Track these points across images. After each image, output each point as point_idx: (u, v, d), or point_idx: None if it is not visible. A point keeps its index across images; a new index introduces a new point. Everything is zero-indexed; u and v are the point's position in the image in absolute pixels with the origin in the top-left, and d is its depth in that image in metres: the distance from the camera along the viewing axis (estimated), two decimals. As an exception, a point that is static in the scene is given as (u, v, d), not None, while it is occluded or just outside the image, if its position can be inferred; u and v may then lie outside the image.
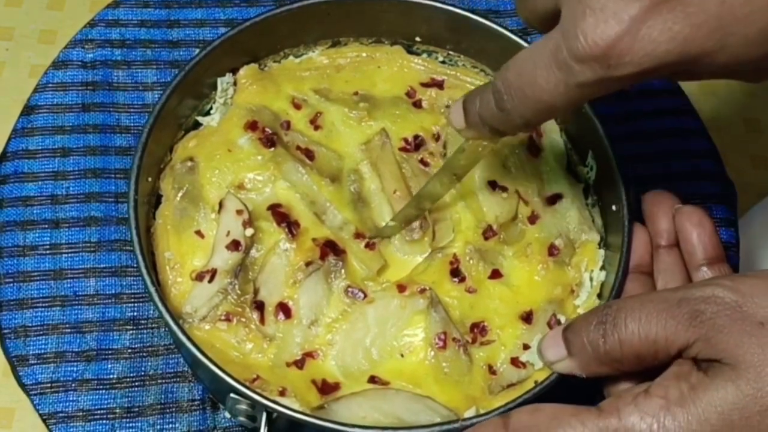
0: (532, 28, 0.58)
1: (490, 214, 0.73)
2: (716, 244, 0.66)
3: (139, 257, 0.64)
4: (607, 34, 0.49)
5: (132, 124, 0.81)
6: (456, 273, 0.70)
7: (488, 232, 0.72)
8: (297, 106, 0.77)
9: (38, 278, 0.74)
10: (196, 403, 0.70)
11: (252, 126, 0.74)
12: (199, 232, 0.71)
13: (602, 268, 0.72)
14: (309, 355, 0.67)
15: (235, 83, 0.78)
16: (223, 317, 0.67)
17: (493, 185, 0.74)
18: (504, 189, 0.74)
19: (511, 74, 0.56)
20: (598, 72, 0.51)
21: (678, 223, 0.68)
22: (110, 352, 0.71)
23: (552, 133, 0.77)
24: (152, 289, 0.63)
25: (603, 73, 0.51)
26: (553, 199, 0.75)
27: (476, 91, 0.61)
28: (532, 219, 0.73)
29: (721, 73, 0.53)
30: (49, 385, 0.69)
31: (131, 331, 0.72)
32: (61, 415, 0.68)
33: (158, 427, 0.69)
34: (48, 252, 0.75)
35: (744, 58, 0.50)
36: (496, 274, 0.70)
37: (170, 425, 0.69)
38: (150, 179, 0.71)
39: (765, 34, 0.49)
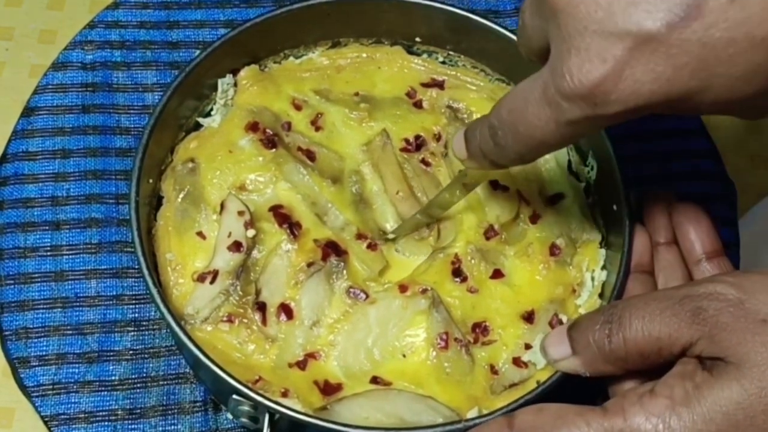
0: (531, 62, 0.58)
1: (491, 214, 0.73)
2: (714, 239, 0.67)
3: (141, 258, 0.64)
4: (592, 74, 0.50)
5: (132, 126, 0.81)
6: (457, 273, 0.70)
7: (490, 232, 0.72)
8: (297, 107, 0.77)
9: (39, 280, 0.73)
10: (198, 404, 0.70)
11: (253, 127, 0.74)
12: (200, 234, 0.71)
13: (603, 267, 0.72)
14: (311, 355, 0.67)
15: (235, 84, 0.77)
16: (224, 318, 0.67)
17: (494, 185, 0.74)
18: (505, 189, 0.74)
19: (504, 111, 0.57)
20: (586, 110, 0.51)
21: (675, 220, 0.68)
22: (112, 353, 0.71)
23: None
24: (154, 291, 0.63)
25: (590, 111, 0.51)
26: (554, 199, 0.75)
27: (476, 123, 0.61)
28: (534, 218, 0.73)
29: (713, 111, 0.53)
30: (50, 386, 0.69)
31: (133, 333, 0.72)
32: (63, 417, 0.68)
33: (160, 428, 0.69)
34: (49, 254, 0.75)
35: (731, 97, 0.50)
36: (497, 274, 0.70)
37: (172, 427, 0.69)
38: (151, 180, 0.71)
39: (749, 74, 0.49)
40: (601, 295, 0.70)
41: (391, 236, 0.73)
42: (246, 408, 0.60)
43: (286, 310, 0.68)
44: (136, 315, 0.73)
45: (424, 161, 0.76)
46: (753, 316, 0.51)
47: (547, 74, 0.53)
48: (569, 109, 0.52)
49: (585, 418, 0.53)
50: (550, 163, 0.76)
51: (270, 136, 0.74)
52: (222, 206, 0.71)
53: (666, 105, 0.51)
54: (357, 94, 0.79)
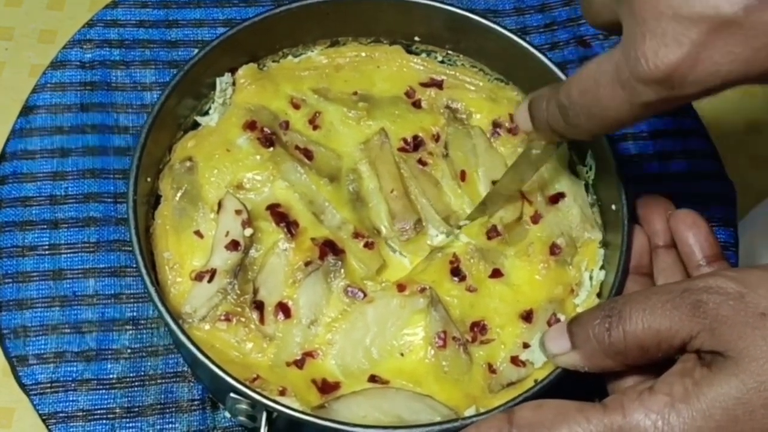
0: (597, 30, 0.59)
1: (495, 215, 0.73)
2: (713, 243, 0.67)
3: (139, 257, 0.64)
4: (669, 58, 0.50)
5: (131, 125, 0.81)
6: (456, 272, 0.70)
7: (492, 232, 0.72)
8: (296, 106, 0.77)
9: (37, 278, 0.73)
10: (195, 403, 0.70)
11: (251, 126, 0.74)
12: (198, 232, 0.71)
13: (602, 267, 0.72)
14: (309, 354, 0.67)
15: (233, 83, 0.77)
16: (222, 317, 0.67)
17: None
18: None
19: (574, 91, 0.57)
20: (662, 93, 0.52)
21: (673, 226, 0.68)
22: (110, 352, 0.71)
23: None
24: (152, 289, 0.63)
25: (667, 94, 0.52)
26: (555, 198, 0.74)
27: (540, 98, 0.62)
28: (535, 218, 0.73)
29: None
30: (48, 385, 0.69)
31: (131, 331, 0.72)
32: (61, 415, 0.68)
33: (158, 427, 0.69)
34: (47, 252, 0.75)
35: None
36: (496, 273, 0.70)
37: (170, 425, 0.69)
38: (149, 179, 0.71)
39: None
40: (599, 295, 0.70)
41: (464, 223, 0.73)
42: (244, 406, 0.60)
43: (283, 308, 0.68)
44: (135, 314, 0.73)
45: (421, 161, 0.76)
46: (753, 309, 0.51)
47: (619, 57, 0.53)
48: (645, 92, 0.52)
49: (585, 415, 0.53)
50: (551, 161, 0.76)
51: (268, 135, 0.74)
52: (219, 205, 0.71)
53: (742, 83, 0.52)
54: (356, 93, 0.79)
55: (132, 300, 0.73)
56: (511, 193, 0.73)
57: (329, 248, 0.69)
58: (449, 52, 0.82)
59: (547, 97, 0.61)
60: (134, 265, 0.66)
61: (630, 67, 0.52)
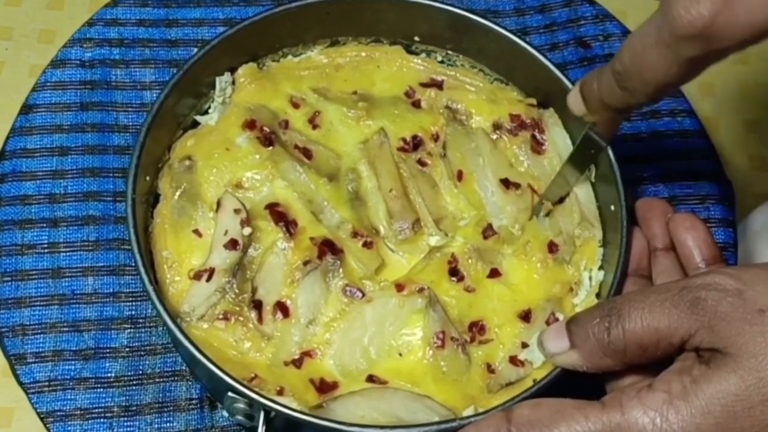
0: None
1: (509, 218, 0.73)
2: (711, 245, 0.67)
3: (137, 256, 0.64)
4: (702, 13, 0.51)
5: (130, 123, 0.81)
6: (454, 272, 0.70)
7: (488, 231, 0.72)
8: (295, 105, 0.77)
9: (36, 277, 0.74)
10: (193, 402, 0.70)
11: (250, 125, 0.74)
12: (197, 231, 0.71)
13: (600, 268, 0.72)
14: (307, 354, 0.67)
15: (233, 82, 0.78)
16: (221, 316, 0.67)
17: (506, 183, 0.74)
18: (517, 186, 0.74)
19: (626, 57, 0.58)
20: (703, 48, 0.52)
21: (672, 229, 0.68)
22: (108, 350, 0.71)
23: (555, 126, 0.77)
24: (150, 288, 0.63)
25: (708, 47, 0.52)
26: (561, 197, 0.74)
27: (592, 77, 0.62)
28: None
29: None
30: (47, 383, 0.69)
31: (129, 330, 0.72)
32: (59, 413, 0.68)
33: (156, 425, 0.69)
34: (46, 251, 0.75)
35: None
36: (494, 273, 0.70)
37: (168, 424, 0.69)
38: (148, 178, 0.71)
39: None
40: (598, 296, 0.70)
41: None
42: (241, 406, 0.60)
43: (282, 308, 0.68)
44: (133, 312, 0.73)
45: (420, 161, 0.76)
46: (751, 306, 0.51)
47: (659, 17, 0.54)
48: (687, 49, 0.53)
49: (583, 412, 0.53)
50: (555, 159, 0.76)
51: (267, 134, 0.74)
52: (218, 204, 0.71)
53: None
54: (355, 92, 0.79)
55: (130, 299, 0.73)
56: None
57: (328, 247, 0.69)
58: (449, 52, 0.82)
59: (598, 73, 0.62)
60: (133, 264, 0.66)
61: (668, 26, 0.53)
